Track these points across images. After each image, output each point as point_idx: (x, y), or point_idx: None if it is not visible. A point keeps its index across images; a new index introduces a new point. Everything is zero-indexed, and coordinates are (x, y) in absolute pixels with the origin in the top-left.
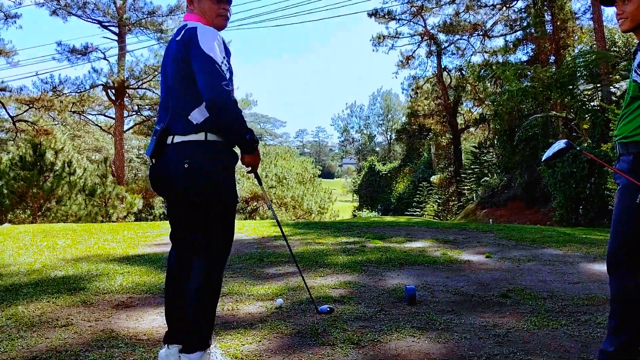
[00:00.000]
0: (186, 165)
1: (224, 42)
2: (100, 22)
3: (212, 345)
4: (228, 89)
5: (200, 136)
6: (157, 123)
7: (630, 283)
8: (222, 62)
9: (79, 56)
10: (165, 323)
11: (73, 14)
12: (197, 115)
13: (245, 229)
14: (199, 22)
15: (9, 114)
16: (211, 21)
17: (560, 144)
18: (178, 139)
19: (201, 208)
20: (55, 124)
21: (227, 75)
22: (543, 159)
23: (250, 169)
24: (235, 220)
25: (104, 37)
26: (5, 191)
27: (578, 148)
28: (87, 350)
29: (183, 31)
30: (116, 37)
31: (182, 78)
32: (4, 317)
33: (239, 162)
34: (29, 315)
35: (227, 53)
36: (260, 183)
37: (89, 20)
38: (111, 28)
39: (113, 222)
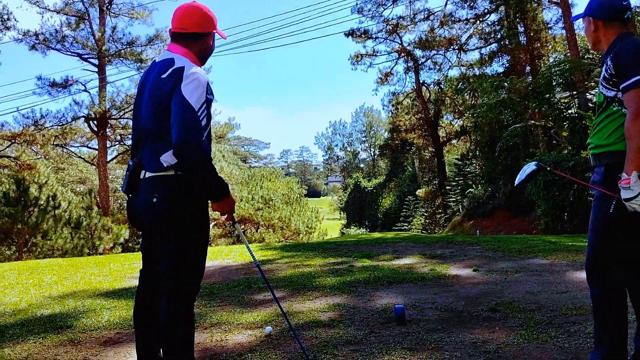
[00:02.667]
0: (154, 200)
1: (208, 84)
2: (79, 55)
3: None
4: (195, 140)
5: (169, 172)
6: (131, 158)
7: (608, 292)
8: (201, 109)
9: (59, 89)
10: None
11: (52, 48)
12: (168, 158)
13: (232, 255)
14: (186, 57)
15: None
16: (203, 59)
17: (530, 167)
18: (149, 174)
19: (166, 240)
20: (38, 158)
21: (204, 123)
22: (516, 183)
23: (226, 216)
24: (222, 246)
25: (84, 69)
26: None
27: (549, 168)
28: None
29: (170, 70)
30: (96, 69)
31: (159, 119)
32: None
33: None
34: (15, 358)
35: (210, 95)
36: (233, 223)
37: (68, 53)
38: (91, 60)
39: (100, 254)
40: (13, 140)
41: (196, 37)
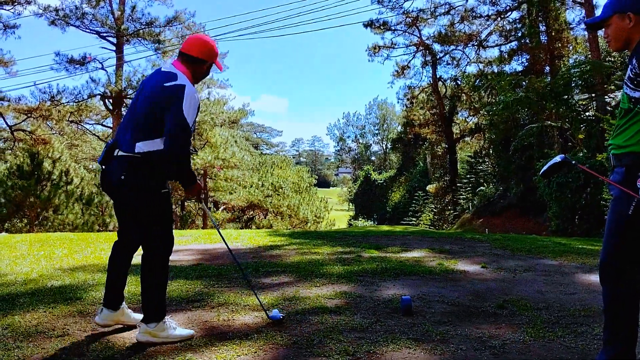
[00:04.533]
0: (123, 177)
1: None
2: (98, 33)
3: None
4: (185, 150)
5: (138, 155)
6: (114, 138)
7: (621, 293)
8: (192, 124)
9: (77, 66)
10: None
11: (71, 25)
12: (143, 146)
13: (241, 239)
14: (187, 76)
15: (7, 123)
16: (197, 80)
17: (556, 158)
18: (121, 153)
19: (134, 212)
20: (52, 134)
21: (192, 133)
22: (540, 172)
23: (194, 197)
24: (231, 230)
25: (102, 48)
26: (2, 200)
27: (574, 162)
28: None
29: (172, 83)
30: (114, 48)
31: (150, 118)
32: (0, 327)
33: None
34: (25, 326)
35: (198, 110)
36: (200, 202)
37: (87, 30)
38: (109, 38)
39: (110, 231)
40: (29, 115)
41: (195, 61)
